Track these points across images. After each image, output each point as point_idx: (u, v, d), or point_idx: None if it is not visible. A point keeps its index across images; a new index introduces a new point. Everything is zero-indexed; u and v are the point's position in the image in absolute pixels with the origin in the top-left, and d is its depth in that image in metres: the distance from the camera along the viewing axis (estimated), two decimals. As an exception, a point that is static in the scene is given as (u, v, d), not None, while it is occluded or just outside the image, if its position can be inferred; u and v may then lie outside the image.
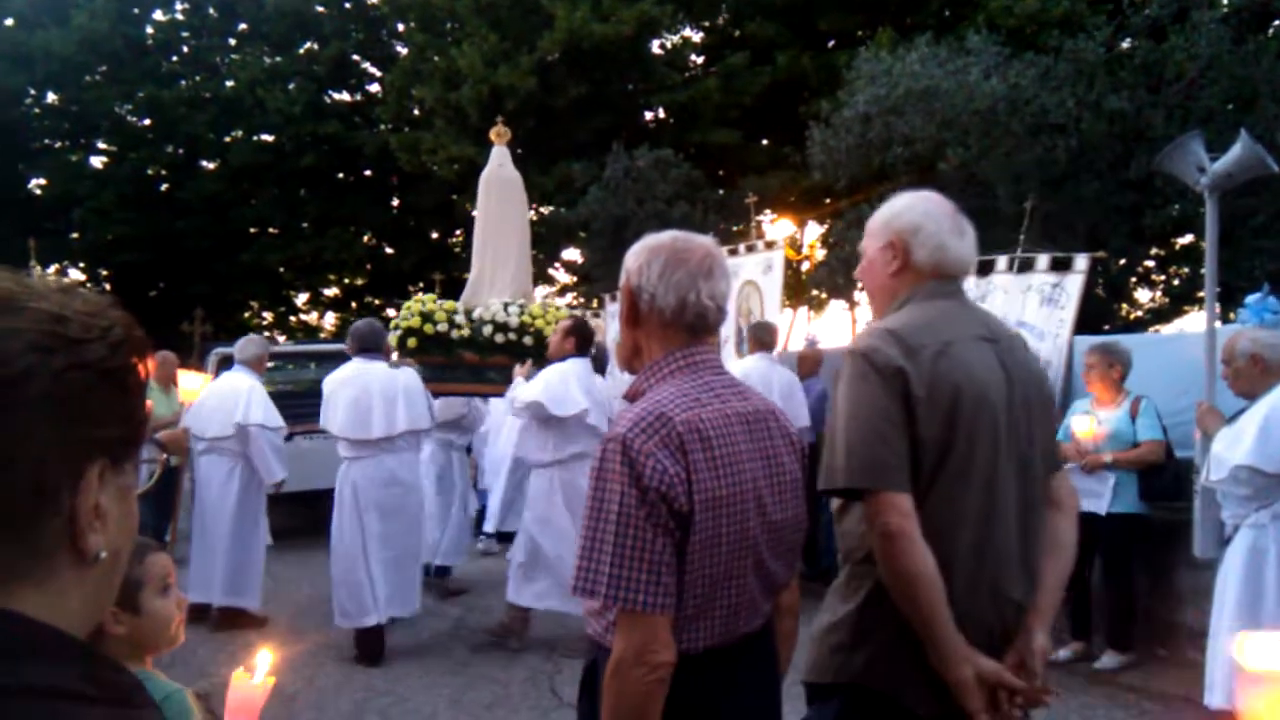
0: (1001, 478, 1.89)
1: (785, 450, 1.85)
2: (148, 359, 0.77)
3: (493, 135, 7.02)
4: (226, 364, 10.45)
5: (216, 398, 6.07)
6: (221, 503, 6.00)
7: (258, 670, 1.69)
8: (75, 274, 24.10)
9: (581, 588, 1.67)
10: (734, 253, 8.47)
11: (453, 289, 9.20)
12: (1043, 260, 6.60)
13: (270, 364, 7.72)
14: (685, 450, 1.66)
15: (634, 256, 1.86)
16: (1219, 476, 3.80)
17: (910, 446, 1.81)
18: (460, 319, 6.13)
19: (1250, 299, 5.27)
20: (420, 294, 6.65)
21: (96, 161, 23.70)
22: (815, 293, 15.02)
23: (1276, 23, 9.30)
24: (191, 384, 6.38)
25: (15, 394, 0.66)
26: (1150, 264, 13.73)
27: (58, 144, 23.57)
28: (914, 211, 2.04)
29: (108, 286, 20.58)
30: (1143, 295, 15.35)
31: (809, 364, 7.95)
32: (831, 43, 16.09)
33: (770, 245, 8.41)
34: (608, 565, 1.62)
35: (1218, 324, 5.13)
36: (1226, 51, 8.67)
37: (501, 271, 6.52)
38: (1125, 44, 9.78)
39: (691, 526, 1.65)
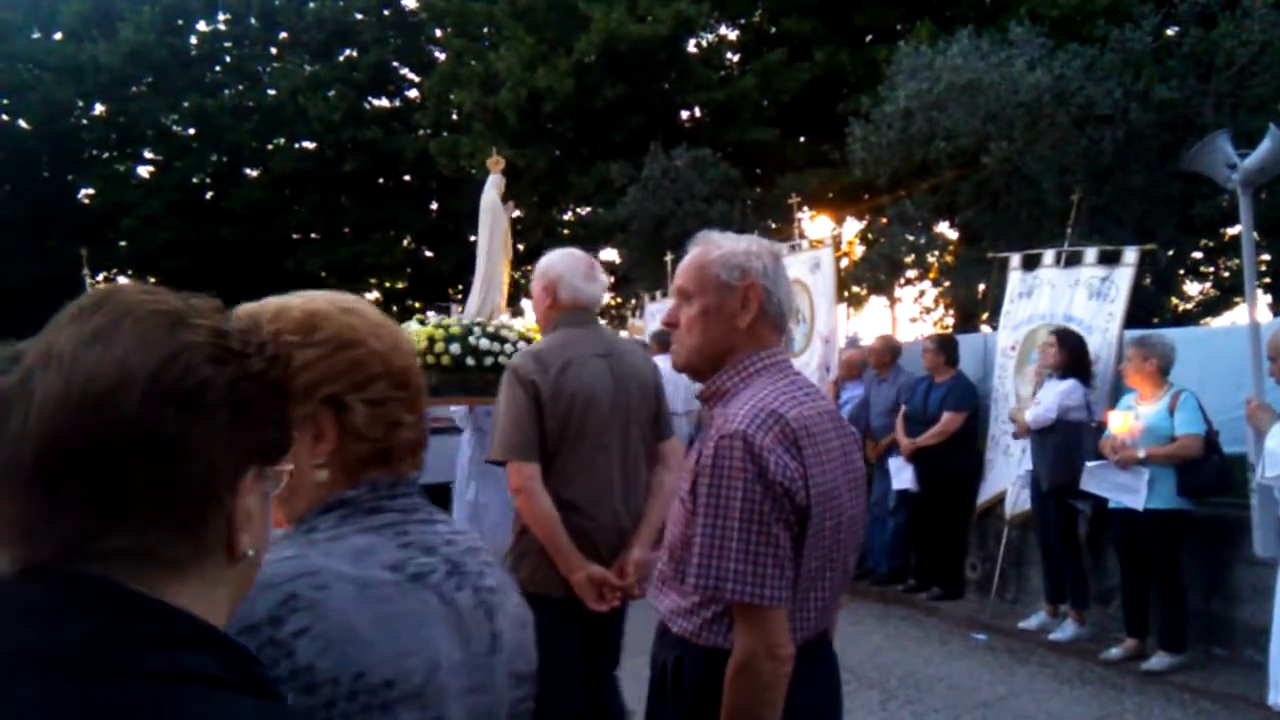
0: (607, 449, 2.87)
1: (854, 448, 1.91)
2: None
3: (489, 164, 7.45)
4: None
5: None
6: None
7: None
8: (123, 280, 24.62)
9: (704, 585, 1.66)
10: (776, 252, 8.45)
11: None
12: (1091, 254, 6.49)
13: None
14: (799, 446, 1.70)
15: (755, 257, 1.85)
16: (1275, 473, 3.72)
17: (540, 432, 2.79)
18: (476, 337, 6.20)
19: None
20: (419, 319, 6.98)
21: (143, 171, 24.21)
22: (856, 289, 14.90)
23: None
24: None
25: (199, 401, 0.73)
26: (1199, 255, 13.46)
27: (105, 154, 24.10)
28: (560, 265, 2.95)
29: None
30: (1192, 288, 15.05)
31: (851, 367, 7.81)
32: (869, 37, 15.95)
33: (817, 244, 8.37)
34: (733, 561, 1.63)
35: (1267, 318, 5.02)
36: (1279, 38, 8.47)
37: (493, 293, 6.87)
38: (1173, 32, 9.59)
39: (808, 520, 1.68)
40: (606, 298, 20.16)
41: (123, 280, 24.37)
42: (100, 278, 13.38)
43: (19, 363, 0.73)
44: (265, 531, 0.83)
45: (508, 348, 6.11)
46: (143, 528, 0.72)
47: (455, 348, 6.06)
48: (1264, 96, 8.84)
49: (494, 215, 7.14)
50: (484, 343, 6.11)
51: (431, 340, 6.08)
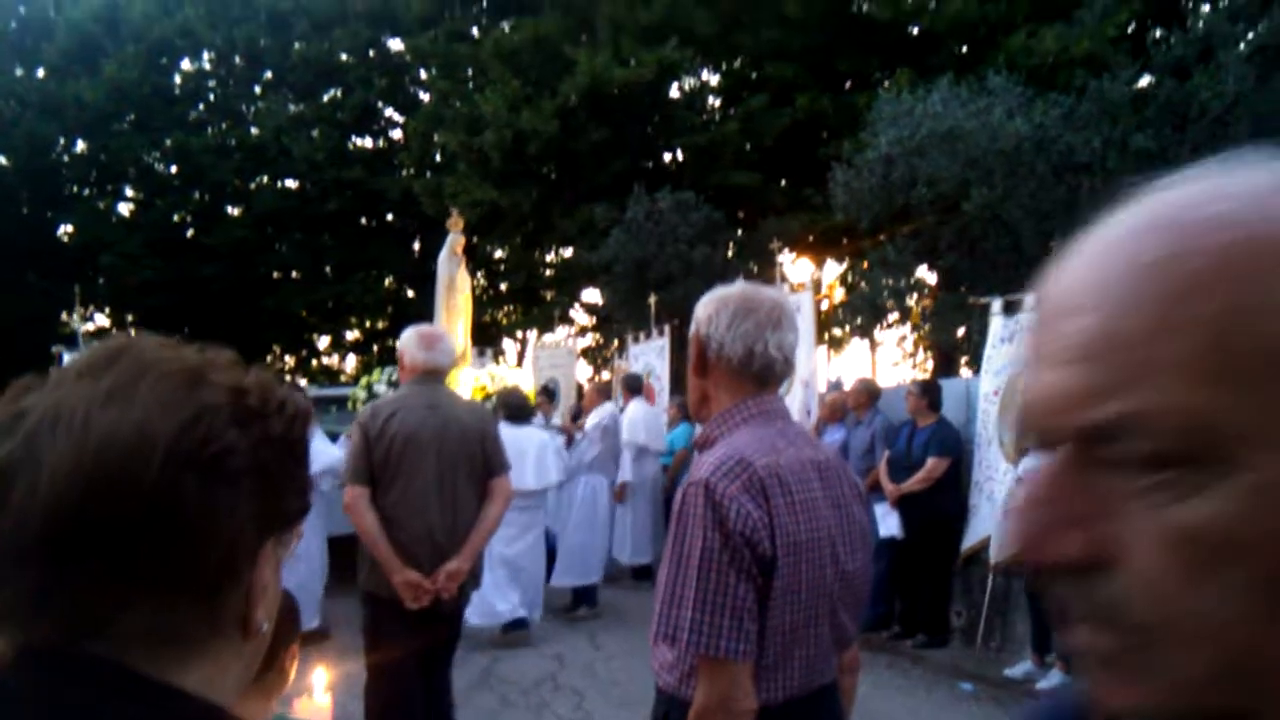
0: (424, 478, 3.59)
1: (854, 499, 1.86)
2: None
3: (449, 224, 8.14)
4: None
5: None
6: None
7: (315, 688, 1.74)
8: (102, 319, 24.42)
9: (663, 634, 1.65)
10: (758, 294, 8.47)
11: (473, 331, 9.23)
12: (1072, 300, 6.52)
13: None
14: (767, 494, 1.66)
15: (703, 307, 1.89)
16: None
17: (369, 463, 3.57)
18: None
19: None
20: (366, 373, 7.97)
21: (124, 208, 24.12)
22: (836, 332, 14.97)
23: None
24: None
25: (222, 468, 0.67)
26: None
27: (86, 191, 23.99)
28: (406, 338, 3.81)
29: (133, 332, 20.77)
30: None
31: (833, 411, 7.78)
32: (850, 84, 16.18)
33: (798, 288, 8.39)
34: (690, 611, 1.60)
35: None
36: (1252, 89, 8.65)
37: (459, 339, 7.63)
38: (1149, 82, 9.77)
39: (774, 572, 1.64)
40: (588, 339, 20.00)
41: (100, 318, 24.21)
42: (78, 315, 13.21)
43: (22, 422, 0.66)
44: (276, 604, 0.78)
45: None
46: (157, 605, 0.66)
47: None
48: (1239, 146, 8.98)
49: (448, 272, 7.82)
50: None
51: None
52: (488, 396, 7.36)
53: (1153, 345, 0.44)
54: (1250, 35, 9.00)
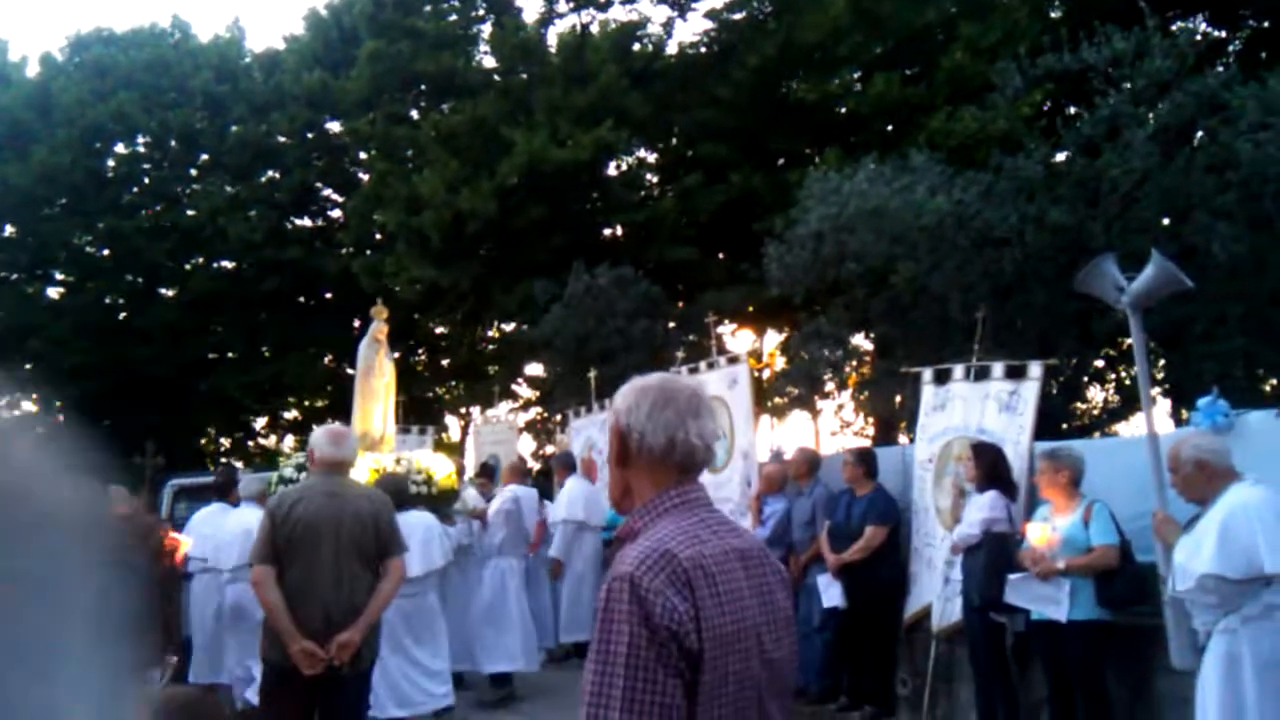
0: (321, 559, 4.10)
1: (778, 586, 1.86)
2: None
3: (373, 312, 8.50)
4: (184, 495, 10.27)
5: (238, 531, 6.73)
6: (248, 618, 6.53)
7: None
8: (28, 405, 23.66)
9: None
10: (695, 370, 8.56)
11: (414, 408, 9.15)
12: (998, 369, 6.73)
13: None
14: (692, 586, 1.65)
15: (623, 397, 1.89)
16: (1185, 586, 3.82)
17: (273, 545, 4.10)
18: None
19: (1201, 402, 5.40)
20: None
21: (53, 292, 23.60)
22: (778, 401, 15.16)
23: (1199, 134, 9.80)
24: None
25: None
26: (1101, 364, 14.08)
27: (14, 275, 23.47)
28: (316, 435, 4.50)
29: (60, 418, 20.18)
30: (1098, 394, 15.68)
31: (772, 482, 7.82)
32: (781, 161, 16.68)
33: (734, 360, 8.51)
34: (617, 712, 1.58)
35: (1170, 427, 5.23)
36: (1158, 166, 9.12)
37: (372, 428, 8.15)
38: (1062, 159, 10.25)
39: (701, 666, 1.62)
40: (530, 414, 19.91)
41: (27, 405, 23.42)
42: (4, 402, 12.81)
43: None
44: None
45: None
46: None
47: None
48: (1148, 220, 9.44)
49: (366, 359, 8.27)
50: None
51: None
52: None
53: None
54: (1151, 117, 9.52)
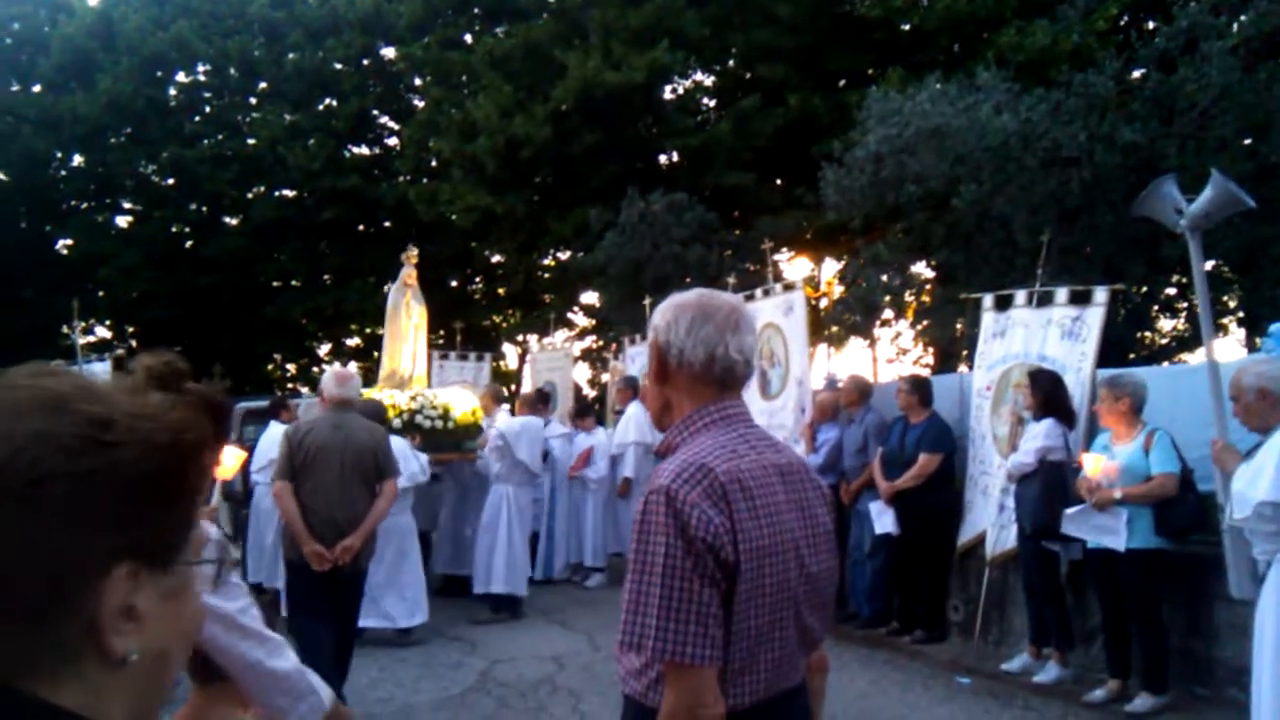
0: (328, 477, 4.95)
1: (818, 501, 1.87)
2: (204, 461, 0.78)
3: (403, 256, 8.84)
4: (252, 418, 10.57)
5: None
6: None
7: None
8: (102, 331, 24.46)
9: (628, 642, 1.66)
10: (751, 297, 8.47)
11: (472, 336, 9.26)
12: (1062, 294, 6.56)
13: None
14: (729, 500, 1.67)
15: (661, 314, 1.89)
16: (1243, 514, 3.73)
17: (292, 464, 4.95)
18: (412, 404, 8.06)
19: (1274, 327, 5.22)
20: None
21: (122, 221, 24.21)
22: (834, 329, 15.01)
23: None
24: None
25: (35, 496, 0.67)
26: (1172, 292, 13.65)
27: (84, 205, 24.08)
28: (324, 379, 5.43)
29: (134, 344, 20.82)
30: (1167, 324, 15.22)
31: (825, 410, 7.74)
32: (842, 82, 16.21)
33: (789, 287, 8.40)
34: (654, 618, 1.61)
35: (1230, 355, 5.06)
36: (1237, 81, 8.65)
37: (400, 367, 8.58)
38: (1136, 76, 9.78)
39: (737, 577, 1.65)
40: (588, 341, 20.12)
41: (101, 330, 24.23)
42: (79, 327, 13.23)
43: None
44: (179, 630, 0.77)
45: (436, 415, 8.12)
46: None
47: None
48: (1226, 138, 9.01)
49: (394, 300, 8.53)
50: (419, 418, 7.99)
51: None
52: (399, 414, 7.82)
53: None
54: (1234, 28, 9.01)
